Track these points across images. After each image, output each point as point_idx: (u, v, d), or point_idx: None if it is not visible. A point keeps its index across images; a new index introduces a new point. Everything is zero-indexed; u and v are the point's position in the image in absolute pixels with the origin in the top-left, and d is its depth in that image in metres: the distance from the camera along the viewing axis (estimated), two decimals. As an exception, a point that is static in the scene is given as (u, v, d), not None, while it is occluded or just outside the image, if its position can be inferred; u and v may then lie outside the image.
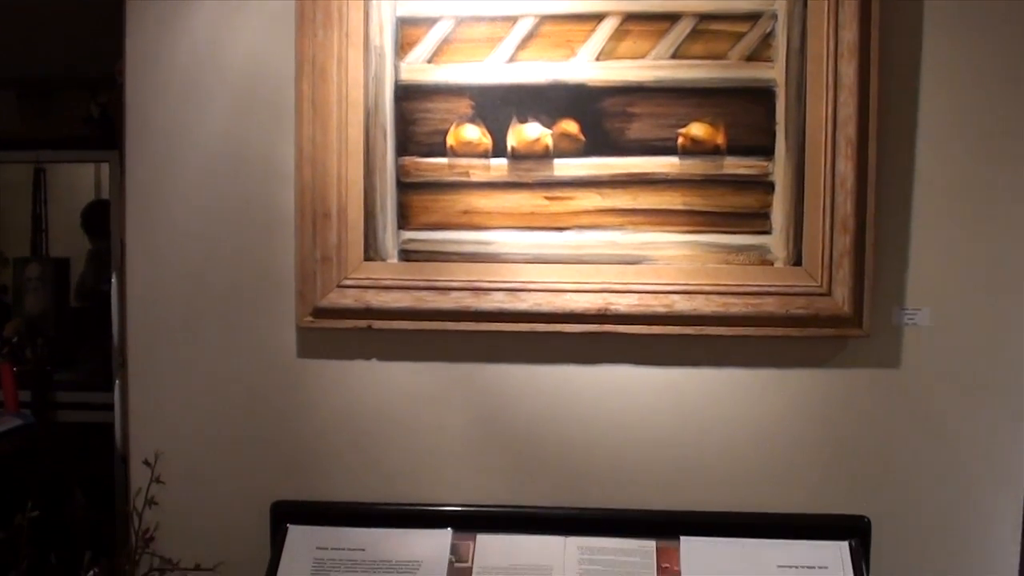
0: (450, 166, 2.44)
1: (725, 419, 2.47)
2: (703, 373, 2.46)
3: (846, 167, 2.36)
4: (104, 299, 3.24)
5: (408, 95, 2.45)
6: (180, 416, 2.54)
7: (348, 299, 2.44)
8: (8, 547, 2.34)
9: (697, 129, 2.40)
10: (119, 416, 2.68)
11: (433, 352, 2.49)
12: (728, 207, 2.40)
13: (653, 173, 2.41)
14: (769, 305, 2.39)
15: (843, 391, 2.44)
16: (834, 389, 2.45)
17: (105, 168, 5.02)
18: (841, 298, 2.37)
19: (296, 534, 2.40)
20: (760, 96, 2.39)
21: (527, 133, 2.41)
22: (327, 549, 2.37)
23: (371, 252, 2.45)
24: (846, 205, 2.36)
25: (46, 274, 4.49)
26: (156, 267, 2.53)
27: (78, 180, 5.40)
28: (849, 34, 2.35)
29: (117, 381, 2.69)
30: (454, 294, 2.43)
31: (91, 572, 2.38)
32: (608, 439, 2.49)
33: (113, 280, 2.68)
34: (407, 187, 2.44)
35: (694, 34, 2.40)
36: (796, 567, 2.30)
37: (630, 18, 2.41)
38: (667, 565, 2.32)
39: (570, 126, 2.41)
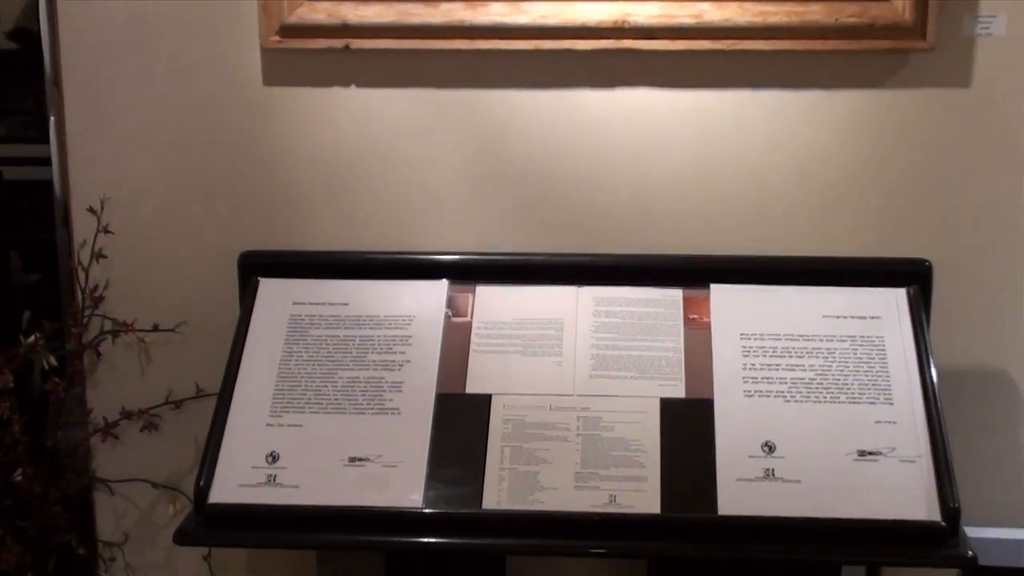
0: None
1: (763, 150, 2.28)
2: (737, 96, 2.26)
3: None
4: (33, 39, 3.00)
5: None
6: (128, 157, 2.36)
7: (320, 13, 2.20)
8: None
9: None
10: (57, 161, 2.50)
11: (422, 76, 2.29)
12: None
13: None
14: (815, 13, 2.14)
15: (902, 115, 2.24)
16: (891, 113, 2.24)
17: None
18: (901, 3, 2.11)
19: (268, 288, 2.22)
20: None
21: None
22: (305, 304, 2.20)
23: (346, -44, 2.20)
24: None
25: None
26: (93, -14, 2.30)
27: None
28: None
29: (52, 119, 2.50)
30: (444, 6, 2.19)
31: (33, 336, 2.24)
32: (626, 175, 2.31)
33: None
34: None
35: None
36: (844, 317, 2.10)
37: None
38: (695, 316, 2.14)
39: None
